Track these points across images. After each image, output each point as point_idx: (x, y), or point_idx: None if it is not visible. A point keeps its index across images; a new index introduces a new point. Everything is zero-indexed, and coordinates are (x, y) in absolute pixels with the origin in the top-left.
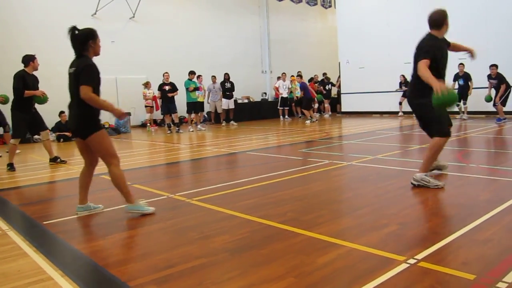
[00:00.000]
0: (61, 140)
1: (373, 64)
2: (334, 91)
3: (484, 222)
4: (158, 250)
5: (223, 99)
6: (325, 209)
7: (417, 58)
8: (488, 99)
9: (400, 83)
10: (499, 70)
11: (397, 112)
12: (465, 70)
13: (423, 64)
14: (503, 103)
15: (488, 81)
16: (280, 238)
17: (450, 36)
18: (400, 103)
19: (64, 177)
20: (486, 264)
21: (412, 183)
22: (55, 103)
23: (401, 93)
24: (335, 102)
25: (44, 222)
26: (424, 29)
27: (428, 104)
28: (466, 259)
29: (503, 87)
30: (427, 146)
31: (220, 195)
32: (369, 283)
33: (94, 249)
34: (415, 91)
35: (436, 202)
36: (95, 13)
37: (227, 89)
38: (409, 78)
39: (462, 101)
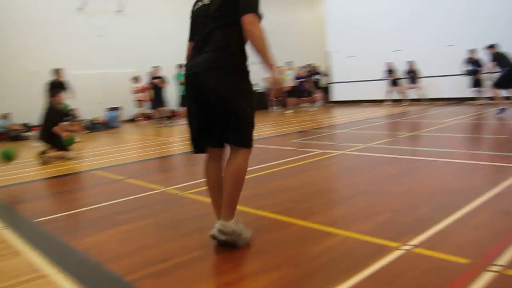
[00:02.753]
0: None
1: (362, 53)
2: (324, 80)
3: (476, 207)
4: (154, 244)
5: None
6: (319, 198)
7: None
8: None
9: (408, 71)
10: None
11: (399, 100)
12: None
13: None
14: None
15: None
16: (276, 228)
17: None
18: (391, 92)
19: (54, 174)
20: (479, 248)
21: (216, 238)
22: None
23: (407, 80)
24: (325, 92)
25: (37, 220)
26: (414, 17)
27: (249, 90)
28: (460, 244)
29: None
30: (227, 175)
31: None
32: (365, 270)
33: (89, 245)
34: (226, 64)
35: (429, 188)
36: (82, 7)
37: None
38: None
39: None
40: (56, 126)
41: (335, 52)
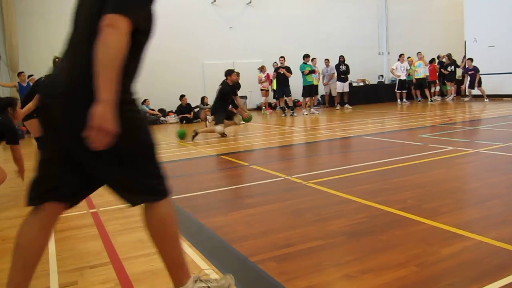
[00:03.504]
0: (184, 122)
1: (504, 43)
2: (458, 72)
3: None
4: (277, 229)
5: (337, 82)
6: (449, 198)
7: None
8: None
9: None
10: None
11: None
12: None
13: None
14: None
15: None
16: (401, 225)
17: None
18: None
19: (186, 157)
20: None
21: None
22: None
23: None
24: (460, 84)
25: (172, 197)
26: None
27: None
28: None
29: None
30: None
31: (336, 179)
32: (499, 280)
33: (217, 224)
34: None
35: None
36: (214, 1)
37: (342, 71)
38: None
39: None
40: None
41: (473, 42)
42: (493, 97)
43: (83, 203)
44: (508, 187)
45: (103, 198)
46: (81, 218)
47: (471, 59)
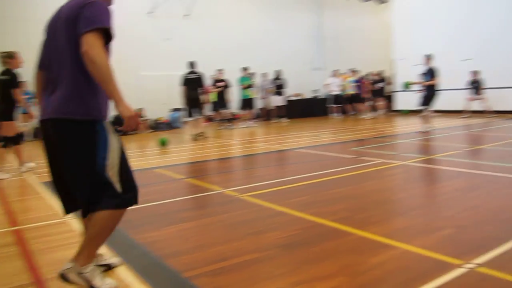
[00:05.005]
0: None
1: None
2: (388, 89)
3: None
4: (212, 243)
5: (274, 96)
6: (378, 209)
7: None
8: (406, 85)
9: (472, 82)
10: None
11: (460, 111)
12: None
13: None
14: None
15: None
16: (332, 236)
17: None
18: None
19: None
20: None
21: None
22: None
23: (471, 91)
24: (389, 100)
25: None
26: (485, 27)
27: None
28: None
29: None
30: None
31: (272, 192)
32: (424, 286)
33: (151, 239)
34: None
35: (495, 205)
36: (151, 12)
37: (278, 86)
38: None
39: None
40: None
41: (400, 60)
42: (418, 113)
43: (3, 220)
44: (432, 197)
45: (27, 215)
46: (1, 236)
47: (475, 72)
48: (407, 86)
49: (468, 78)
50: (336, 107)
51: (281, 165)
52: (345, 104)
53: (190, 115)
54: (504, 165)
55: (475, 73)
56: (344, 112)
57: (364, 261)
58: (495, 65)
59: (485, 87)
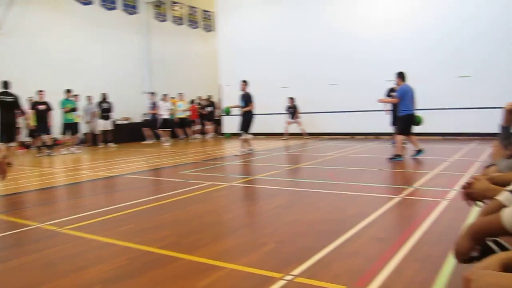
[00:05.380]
0: None
1: (254, 88)
2: (217, 113)
3: (353, 235)
4: (25, 287)
5: (100, 120)
6: (206, 231)
7: None
8: (226, 111)
9: (289, 107)
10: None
11: (281, 134)
12: None
13: None
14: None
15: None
16: (160, 264)
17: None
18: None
19: None
20: (354, 274)
21: None
22: None
23: (288, 115)
24: (218, 124)
25: None
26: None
27: None
28: (336, 272)
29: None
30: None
31: (97, 222)
32: None
33: None
34: None
35: (311, 219)
36: None
37: (104, 109)
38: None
39: None
40: None
41: (227, 86)
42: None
43: None
44: (255, 216)
45: None
46: None
47: (291, 98)
48: (227, 111)
49: (286, 104)
50: (166, 131)
51: (108, 192)
52: (175, 128)
53: (3, 141)
54: (317, 182)
55: (291, 99)
56: (174, 136)
57: (191, 286)
58: (306, 93)
59: (300, 112)
